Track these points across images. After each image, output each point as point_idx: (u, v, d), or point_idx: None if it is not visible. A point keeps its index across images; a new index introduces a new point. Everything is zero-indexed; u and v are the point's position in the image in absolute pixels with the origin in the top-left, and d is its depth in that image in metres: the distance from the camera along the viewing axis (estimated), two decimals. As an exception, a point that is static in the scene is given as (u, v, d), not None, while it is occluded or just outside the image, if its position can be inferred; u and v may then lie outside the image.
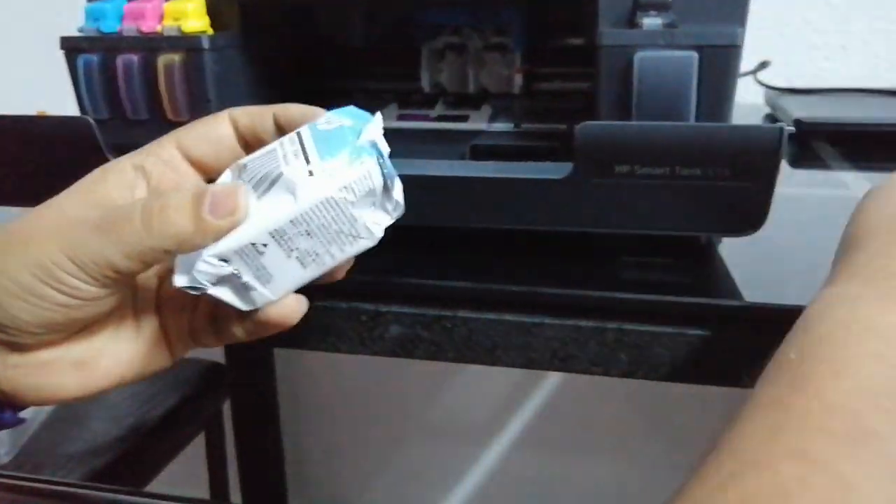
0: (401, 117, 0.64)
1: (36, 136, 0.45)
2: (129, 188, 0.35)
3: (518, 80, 0.63)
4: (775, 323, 0.38)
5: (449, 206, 0.42)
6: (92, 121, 0.45)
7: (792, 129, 0.36)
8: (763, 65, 0.89)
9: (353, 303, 0.42)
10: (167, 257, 0.31)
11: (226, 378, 1.04)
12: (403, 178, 0.43)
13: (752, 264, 0.45)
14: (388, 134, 0.62)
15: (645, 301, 0.39)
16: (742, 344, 0.38)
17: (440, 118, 0.64)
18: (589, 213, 0.41)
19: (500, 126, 0.62)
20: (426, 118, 0.64)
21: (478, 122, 0.62)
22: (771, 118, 0.86)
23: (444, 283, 0.41)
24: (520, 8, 0.62)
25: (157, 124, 0.55)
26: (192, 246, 0.30)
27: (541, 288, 0.40)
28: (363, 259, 0.47)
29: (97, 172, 0.36)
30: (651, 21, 0.48)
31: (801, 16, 0.98)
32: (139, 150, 0.37)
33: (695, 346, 0.38)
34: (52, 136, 0.44)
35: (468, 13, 0.63)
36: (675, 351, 0.38)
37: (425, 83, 0.65)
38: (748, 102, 0.92)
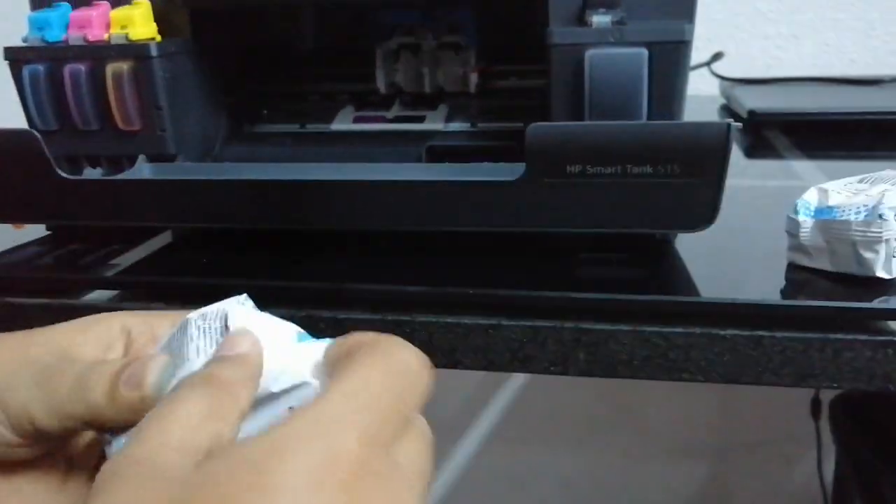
0: (357, 119, 0.64)
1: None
2: (105, 347, 0.32)
3: (474, 78, 0.63)
4: (730, 317, 0.39)
5: (405, 210, 0.42)
6: (38, 134, 0.44)
7: (738, 124, 0.37)
8: (717, 56, 0.90)
9: (311, 310, 0.41)
10: (87, 427, 0.28)
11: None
12: (361, 184, 0.43)
13: (708, 258, 0.45)
14: (345, 136, 0.62)
15: (601, 300, 0.39)
16: (699, 339, 0.38)
17: (397, 119, 0.64)
18: (543, 213, 0.41)
19: (456, 126, 0.62)
20: (382, 119, 0.64)
21: (434, 122, 0.62)
22: (726, 109, 0.87)
23: (401, 287, 0.41)
24: (473, 6, 0.62)
25: (108, 133, 0.54)
26: (106, 419, 0.28)
27: (497, 290, 0.40)
28: (320, 266, 0.47)
29: (85, 321, 0.33)
30: (600, 19, 0.48)
31: (752, 6, 0.99)
32: (140, 312, 0.34)
33: (652, 343, 0.38)
34: (-2, 150, 0.44)
35: (421, 13, 0.63)
36: (632, 348, 0.39)
37: (381, 84, 0.64)
38: (704, 94, 0.93)
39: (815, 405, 1.01)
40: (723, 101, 0.91)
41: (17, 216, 0.48)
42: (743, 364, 0.38)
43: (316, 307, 0.42)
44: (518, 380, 1.24)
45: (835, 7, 0.97)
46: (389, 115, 0.64)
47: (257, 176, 0.45)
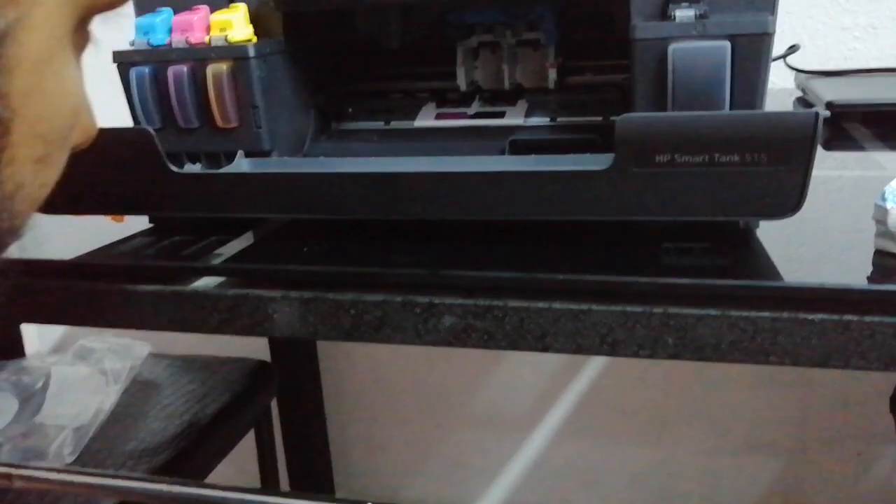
0: (439, 116, 0.66)
1: (98, 146, 0.47)
2: None
3: (552, 74, 0.65)
4: (814, 301, 0.39)
5: (496, 200, 0.44)
6: (152, 132, 0.47)
7: (826, 113, 0.37)
8: (793, 48, 0.89)
9: (407, 296, 0.44)
10: None
11: (273, 376, 1.07)
12: (455, 175, 0.45)
13: (789, 246, 0.46)
14: (429, 132, 0.64)
15: (688, 285, 0.40)
16: (786, 323, 0.39)
17: (477, 115, 0.65)
18: (631, 202, 0.42)
19: (536, 121, 0.63)
20: (464, 116, 0.66)
21: (514, 117, 0.64)
22: (802, 101, 0.87)
23: (494, 273, 0.42)
24: (551, 3, 0.63)
25: (207, 131, 0.57)
26: None
27: (587, 275, 0.41)
28: (415, 253, 0.49)
29: None
30: (683, 13, 0.49)
31: (828, -3, 0.98)
32: None
33: (739, 328, 0.39)
34: (115, 146, 0.47)
35: (500, 11, 0.65)
36: (719, 332, 0.40)
37: (461, 82, 0.66)
38: (779, 87, 0.92)
39: (895, 402, 0.99)
40: (798, 93, 0.90)
41: (130, 209, 0.51)
42: (830, 348, 0.39)
43: (411, 292, 0.44)
44: (589, 374, 1.25)
45: (914, -4, 0.96)
46: (470, 111, 0.66)
47: (353, 169, 0.47)
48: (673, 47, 0.48)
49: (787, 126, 0.38)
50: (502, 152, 0.59)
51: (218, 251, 0.51)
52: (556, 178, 0.42)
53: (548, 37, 0.64)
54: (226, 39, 0.56)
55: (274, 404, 1.14)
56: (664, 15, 0.51)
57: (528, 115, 0.64)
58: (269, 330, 0.46)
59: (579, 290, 0.42)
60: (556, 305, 0.41)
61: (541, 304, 0.42)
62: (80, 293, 0.50)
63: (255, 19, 0.58)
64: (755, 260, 0.45)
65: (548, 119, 0.63)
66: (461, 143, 0.62)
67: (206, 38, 0.56)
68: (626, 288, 0.41)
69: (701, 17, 0.49)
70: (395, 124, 0.67)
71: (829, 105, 0.74)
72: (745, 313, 0.39)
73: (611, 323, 0.41)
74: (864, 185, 0.57)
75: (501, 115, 0.65)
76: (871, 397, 1.06)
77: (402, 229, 0.50)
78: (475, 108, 0.66)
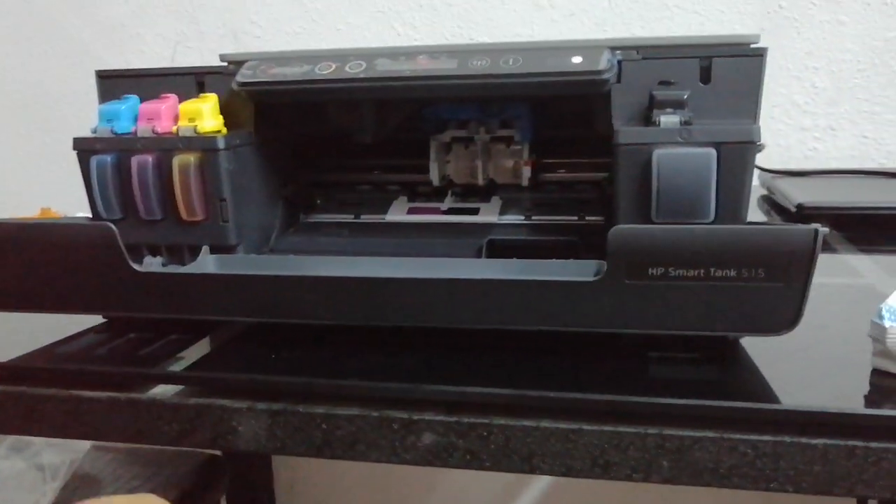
0: (411, 210, 0.64)
1: (57, 241, 0.44)
2: None
3: (526, 172, 0.64)
4: (816, 425, 0.38)
5: (481, 309, 0.42)
6: (113, 227, 0.44)
7: (826, 230, 0.36)
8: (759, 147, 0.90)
9: (384, 410, 0.41)
10: None
11: (224, 471, 1.01)
12: (435, 282, 0.42)
13: (777, 359, 0.45)
14: (401, 227, 0.62)
15: (685, 405, 0.38)
16: (789, 448, 0.37)
17: (451, 211, 0.64)
18: (621, 314, 0.40)
19: (511, 218, 0.62)
20: (436, 211, 0.64)
21: (489, 215, 0.62)
22: (768, 200, 0.87)
23: (479, 389, 0.40)
24: (527, 103, 0.63)
25: (170, 223, 0.54)
26: None
27: (580, 394, 0.39)
28: (391, 363, 0.46)
29: None
30: (668, 118, 0.49)
31: (789, 99, 1.01)
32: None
33: (739, 451, 0.37)
34: (75, 241, 0.44)
35: (476, 108, 0.64)
36: (718, 456, 0.38)
37: (434, 176, 0.65)
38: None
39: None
40: (763, 192, 0.91)
41: (88, 307, 0.47)
42: (835, 475, 0.37)
43: (389, 407, 0.41)
44: (540, 487, 1.21)
45: (871, 100, 0.98)
46: (443, 206, 0.65)
47: (327, 271, 0.45)
48: (658, 153, 0.48)
49: (786, 241, 0.37)
50: (478, 251, 0.57)
51: (178, 354, 0.48)
52: (545, 288, 0.41)
53: (522, 135, 0.64)
54: (195, 130, 0.54)
55: (224, 501, 1.08)
56: (648, 120, 0.50)
57: (502, 212, 0.63)
58: (232, 443, 0.43)
59: (569, 408, 0.39)
60: (545, 424, 0.39)
61: (528, 423, 0.39)
62: (19, 399, 0.46)
63: (225, 109, 0.56)
64: (746, 375, 0.43)
65: (522, 217, 0.62)
66: (434, 240, 0.60)
67: (174, 128, 0.54)
68: (619, 407, 0.39)
69: (685, 123, 0.48)
70: (365, 217, 0.65)
71: (799, 207, 0.74)
72: (744, 436, 0.37)
73: (603, 444, 0.39)
74: (846, 294, 0.56)
75: (475, 211, 0.63)
76: None
77: (378, 336, 0.47)
78: (448, 203, 0.65)
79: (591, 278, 0.40)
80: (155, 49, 1.13)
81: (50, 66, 1.18)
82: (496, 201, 0.64)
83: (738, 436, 0.38)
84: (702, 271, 0.39)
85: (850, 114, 0.99)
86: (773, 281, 0.38)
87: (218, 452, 1.06)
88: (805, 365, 0.44)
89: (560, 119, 0.65)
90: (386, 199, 0.66)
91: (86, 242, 0.44)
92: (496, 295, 0.41)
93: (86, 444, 0.94)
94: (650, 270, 0.39)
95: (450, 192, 0.66)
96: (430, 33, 1.06)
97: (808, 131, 1.01)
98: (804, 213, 0.73)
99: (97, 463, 0.99)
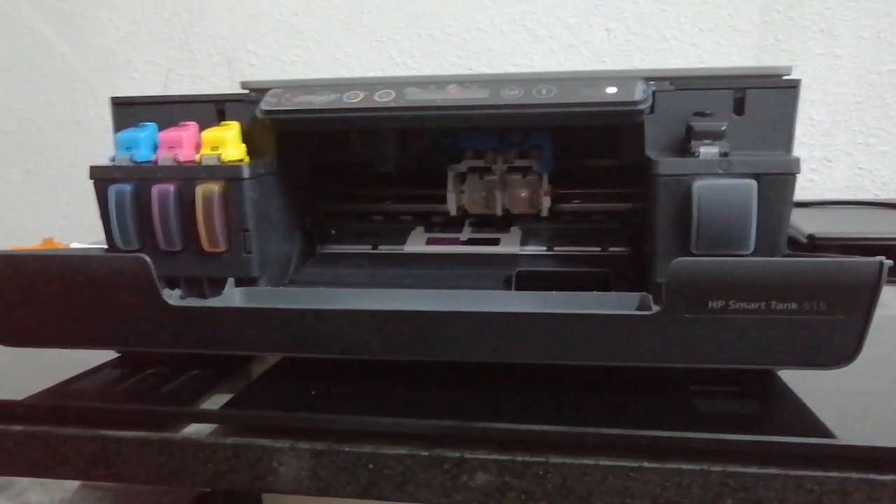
0: (430, 241, 0.63)
1: (90, 275, 0.42)
2: None
3: (546, 202, 0.63)
4: (886, 462, 0.37)
5: (534, 344, 0.41)
6: (148, 259, 0.42)
7: (890, 262, 0.36)
8: (760, 179, 0.91)
9: (434, 449, 0.39)
10: None
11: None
12: (486, 315, 0.41)
13: (817, 391, 0.44)
14: (420, 258, 0.61)
15: (749, 442, 0.37)
16: (857, 484, 0.36)
17: (471, 241, 0.63)
18: (679, 347, 0.40)
19: (532, 249, 0.61)
20: (456, 241, 0.63)
21: (510, 245, 0.62)
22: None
23: (534, 427, 0.39)
24: (549, 133, 0.62)
25: (191, 254, 0.53)
26: None
27: (640, 430, 0.38)
28: (444, 402, 0.45)
29: None
30: (707, 150, 0.48)
31: (785, 131, 1.01)
32: None
33: (805, 488, 0.37)
34: (108, 275, 0.42)
35: (496, 138, 0.63)
36: (783, 493, 0.37)
37: (451, 206, 0.64)
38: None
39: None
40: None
41: (116, 342, 0.46)
42: (903, 512, 0.36)
43: (440, 446, 0.39)
44: None
45: (866, 132, 1.00)
46: (462, 237, 0.64)
47: (374, 305, 0.43)
48: (698, 184, 0.47)
49: (849, 274, 0.37)
50: (506, 283, 0.56)
51: (206, 390, 0.46)
52: (602, 322, 0.40)
53: (542, 165, 0.63)
54: (219, 158, 0.52)
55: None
56: (684, 150, 0.50)
57: (523, 242, 0.62)
58: (272, 484, 0.41)
59: (628, 445, 0.38)
60: (604, 462, 0.38)
61: (587, 461, 0.38)
62: (41, 439, 0.44)
63: (248, 138, 0.55)
64: (792, 408, 0.42)
65: (544, 248, 0.61)
66: (455, 271, 0.59)
67: (197, 157, 0.53)
68: (680, 444, 0.38)
69: (724, 154, 0.48)
70: (383, 248, 0.63)
71: (810, 237, 0.74)
72: (810, 473, 0.37)
73: (664, 482, 0.37)
74: (874, 326, 0.56)
75: (496, 241, 0.62)
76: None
77: (421, 371, 0.46)
78: (466, 233, 0.64)
79: (650, 312, 0.39)
80: (146, 76, 1.12)
81: (38, 92, 1.15)
82: (515, 231, 0.64)
83: (803, 472, 0.37)
84: (762, 304, 0.38)
85: (845, 145, 1.00)
86: (834, 314, 0.38)
87: (208, 490, 1.03)
88: (845, 398, 0.43)
89: (580, 149, 0.65)
90: (402, 230, 0.65)
91: (119, 275, 0.42)
92: (549, 329, 0.40)
93: (74, 482, 0.91)
94: (710, 304, 0.38)
95: (467, 223, 0.65)
96: (429, 63, 1.05)
97: (804, 162, 1.01)
98: (816, 244, 0.73)
99: (85, 502, 0.96)
